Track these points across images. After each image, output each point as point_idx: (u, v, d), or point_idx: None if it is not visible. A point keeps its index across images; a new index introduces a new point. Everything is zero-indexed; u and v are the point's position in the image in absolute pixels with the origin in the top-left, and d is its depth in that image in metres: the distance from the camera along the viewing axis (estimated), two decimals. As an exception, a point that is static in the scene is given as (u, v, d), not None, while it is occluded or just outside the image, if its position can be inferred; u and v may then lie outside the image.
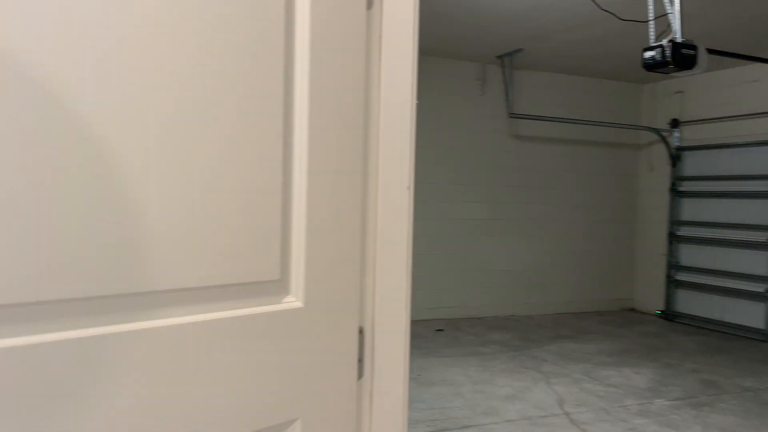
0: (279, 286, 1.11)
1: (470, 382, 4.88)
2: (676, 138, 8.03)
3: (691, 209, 7.86)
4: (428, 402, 4.35)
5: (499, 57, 7.14)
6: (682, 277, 7.90)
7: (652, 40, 4.46)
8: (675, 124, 8.04)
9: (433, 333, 6.57)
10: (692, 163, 7.87)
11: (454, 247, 7.43)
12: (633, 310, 8.58)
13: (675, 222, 8.02)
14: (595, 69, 7.74)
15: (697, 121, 7.77)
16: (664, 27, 4.39)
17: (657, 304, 8.21)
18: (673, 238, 8.02)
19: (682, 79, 7.97)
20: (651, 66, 4.42)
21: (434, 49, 6.96)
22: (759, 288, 6.92)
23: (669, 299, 8.02)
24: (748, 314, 7.06)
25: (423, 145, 7.22)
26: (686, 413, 4.28)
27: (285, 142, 1.08)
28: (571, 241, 8.18)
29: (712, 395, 4.70)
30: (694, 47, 4.32)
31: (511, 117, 7.20)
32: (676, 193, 8.00)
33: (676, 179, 8.01)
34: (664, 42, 4.30)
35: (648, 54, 4.42)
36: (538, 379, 4.99)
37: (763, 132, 6.98)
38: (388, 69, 1.32)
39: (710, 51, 4.48)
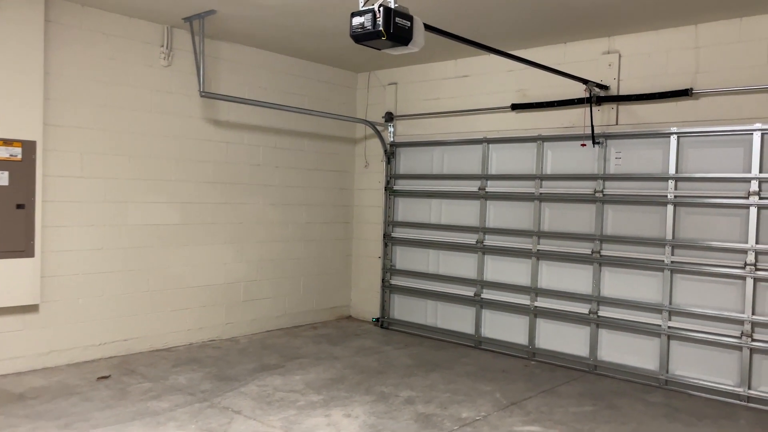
0: None
1: (121, 473, 3.36)
2: (390, 133, 7.49)
3: (405, 209, 7.40)
4: None
5: (188, 19, 5.63)
6: (397, 281, 7.41)
7: (361, 3, 3.47)
8: (389, 117, 7.49)
9: (94, 383, 4.84)
10: (407, 160, 7.40)
11: (135, 260, 5.74)
12: (350, 318, 7.89)
13: (390, 223, 7.49)
14: (308, 49, 6.73)
15: (411, 115, 7.31)
16: (375, -12, 3.44)
17: (373, 311, 7.62)
18: (389, 240, 7.49)
19: (396, 69, 7.45)
20: (360, 37, 3.43)
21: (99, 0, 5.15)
22: (469, 292, 6.69)
23: (384, 305, 7.48)
24: (459, 319, 6.79)
25: (86, 127, 5.36)
26: (403, 478, 3.42)
27: None
28: (285, 246, 7.10)
29: (430, 440, 3.96)
30: (409, 18, 3.44)
31: (203, 96, 5.76)
32: (391, 192, 7.48)
33: (391, 177, 7.49)
34: (375, 6, 3.33)
35: (356, 20, 3.42)
36: (223, 450, 3.70)
37: (472, 130, 6.74)
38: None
39: (429, 28, 3.67)
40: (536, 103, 6.17)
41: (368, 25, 3.36)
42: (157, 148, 5.87)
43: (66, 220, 5.26)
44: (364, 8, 3.38)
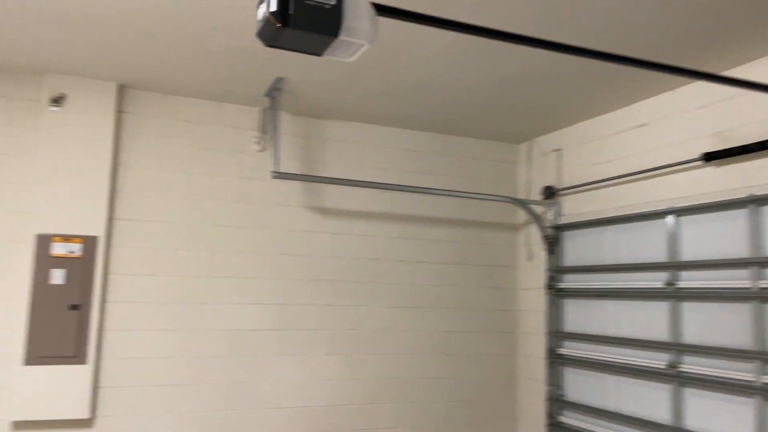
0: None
1: None
2: (553, 213, 5.69)
3: (575, 315, 5.38)
4: None
5: (268, 94, 5.00)
6: (569, 419, 5.29)
7: (273, -11, 2.25)
8: (550, 193, 5.72)
9: None
10: (574, 248, 5.47)
11: (211, 372, 4.96)
12: (513, 462, 5.89)
13: (556, 334, 5.51)
14: (443, 121, 5.56)
15: (577, 187, 5.46)
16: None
17: (541, 457, 5.54)
18: (555, 359, 5.48)
19: (561, 132, 5.76)
20: (261, 32, 2.19)
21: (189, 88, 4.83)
22: (662, 445, 4.31)
23: (552, 452, 5.37)
24: (648, 489, 4.40)
25: (160, 221, 4.93)
26: None
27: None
28: (413, 360, 5.66)
29: None
30: (333, -9, 2.10)
31: (274, 178, 4.92)
32: (555, 291, 5.56)
33: (555, 272, 5.59)
34: (275, -19, 2.09)
35: (261, 10, 2.21)
36: None
37: (653, 199, 4.64)
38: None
39: (389, 11, 2.24)
40: (744, 147, 3.91)
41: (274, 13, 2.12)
42: (243, 241, 5.18)
43: (129, 323, 4.76)
44: (265, -10, 2.16)
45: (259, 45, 4.00)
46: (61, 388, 4.44)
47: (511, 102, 5.01)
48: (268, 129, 5.32)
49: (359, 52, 2.24)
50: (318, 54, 2.29)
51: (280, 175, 4.85)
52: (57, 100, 4.59)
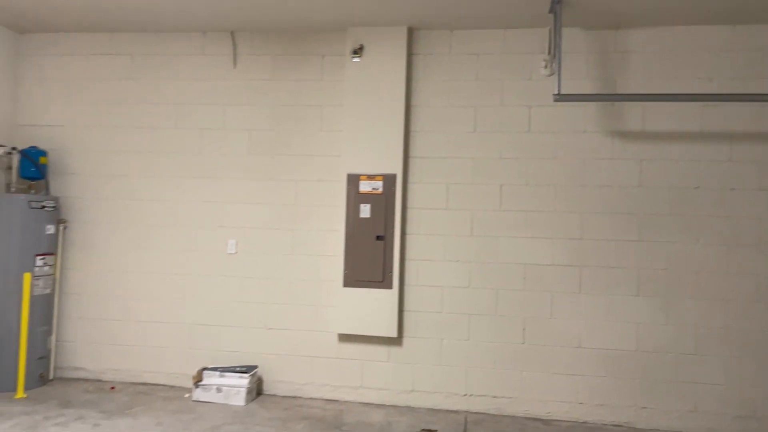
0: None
1: None
2: None
3: None
4: None
5: (551, 10, 4.57)
6: None
7: None
8: None
9: (408, 433, 4.35)
10: None
11: (507, 305, 4.94)
12: None
13: None
14: (770, 3, 4.32)
15: None
16: None
17: None
18: None
19: None
20: None
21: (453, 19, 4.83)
22: None
23: None
24: None
25: (451, 157, 5.06)
26: None
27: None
28: (748, 310, 4.65)
29: None
30: None
31: (557, 101, 4.44)
32: None
33: None
34: None
35: None
36: None
37: None
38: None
39: None
40: None
41: None
42: (533, 173, 4.94)
43: (428, 254, 5.04)
44: None
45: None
46: (373, 308, 5.00)
47: None
48: (561, 50, 4.90)
49: None
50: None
51: (562, 98, 4.44)
52: (357, 51, 5.06)
